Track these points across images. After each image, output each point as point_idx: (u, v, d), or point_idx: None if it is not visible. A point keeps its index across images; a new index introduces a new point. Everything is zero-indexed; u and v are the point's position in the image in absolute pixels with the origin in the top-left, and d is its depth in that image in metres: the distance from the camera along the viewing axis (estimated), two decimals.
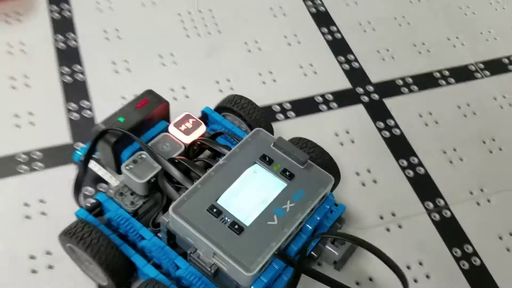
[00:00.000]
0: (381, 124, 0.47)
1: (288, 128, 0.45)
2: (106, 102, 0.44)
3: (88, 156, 0.34)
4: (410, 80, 0.51)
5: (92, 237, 0.30)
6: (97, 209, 0.33)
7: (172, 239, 0.31)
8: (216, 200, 0.30)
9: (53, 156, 0.40)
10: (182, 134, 0.34)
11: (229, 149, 0.33)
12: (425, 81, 0.51)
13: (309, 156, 0.32)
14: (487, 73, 0.53)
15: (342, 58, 0.52)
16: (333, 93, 0.48)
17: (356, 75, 0.50)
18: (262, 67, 0.49)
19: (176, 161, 0.33)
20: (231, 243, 0.28)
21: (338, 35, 0.53)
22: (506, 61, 0.54)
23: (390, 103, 0.49)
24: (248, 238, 0.28)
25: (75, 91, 0.44)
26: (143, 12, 0.51)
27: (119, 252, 0.31)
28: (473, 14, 0.58)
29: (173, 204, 0.29)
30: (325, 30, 0.54)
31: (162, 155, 0.32)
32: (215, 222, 0.29)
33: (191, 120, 0.35)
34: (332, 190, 0.34)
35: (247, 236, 0.28)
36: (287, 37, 0.52)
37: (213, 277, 0.29)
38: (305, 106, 0.47)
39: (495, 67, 0.53)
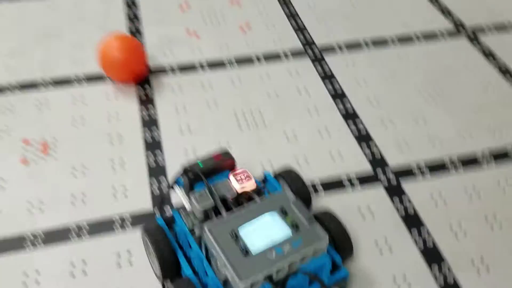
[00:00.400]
0: (397, 202, 0.57)
1: (318, 201, 0.56)
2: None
3: (174, 183, 0.48)
4: (423, 167, 0.61)
5: (159, 237, 0.44)
6: (170, 221, 0.47)
7: (207, 253, 0.42)
8: (238, 228, 0.41)
9: (139, 219, 0.53)
10: (236, 183, 0.46)
11: None
12: (437, 168, 0.61)
13: (313, 216, 0.43)
14: (493, 161, 0.62)
15: (366, 148, 0.63)
16: (357, 175, 0.60)
17: (378, 161, 0.61)
18: (298, 152, 0.62)
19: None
20: (237, 261, 0.39)
21: (362, 129, 0.66)
22: (510, 149, 0.64)
23: (406, 185, 0.59)
24: (250, 261, 0.39)
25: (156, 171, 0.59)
26: (209, 112, 0.67)
27: (173, 252, 0.44)
28: (481, 111, 0.69)
29: (208, 224, 0.41)
30: (351, 123, 0.66)
31: (219, 194, 0.45)
32: (232, 243, 0.40)
33: (246, 175, 0.47)
34: (344, 259, 0.45)
35: (250, 259, 0.39)
36: (320, 132, 0.65)
37: (224, 285, 0.40)
38: (332, 185, 0.58)
39: (499, 156, 0.63)
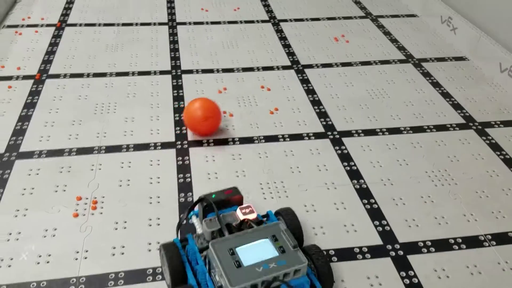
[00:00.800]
0: (404, 274, 0.62)
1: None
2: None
3: (190, 210, 0.59)
4: (429, 243, 0.67)
5: (173, 252, 0.54)
6: (184, 242, 0.57)
7: (209, 267, 0.52)
8: (235, 248, 0.52)
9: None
10: (241, 214, 0.57)
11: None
12: (442, 245, 0.67)
13: (297, 244, 0.53)
14: (494, 243, 0.67)
15: (377, 222, 0.70)
16: (367, 247, 0.66)
17: (387, 235, 0.68)
18: (315, 223, 0.69)
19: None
20: (231, 271, 0.49)
21: (375, 206, 0.73)
22: (511, 235, 0.69)
23: (412, 258, 0.64)
24: (241, 272, 0.49)
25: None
26: (236, 180, 0.76)
27: (182, 265, 0.54)
28: (487, 197, 0.75)
29: (212, 241, 0.52)
30: (365, 201, 0.73)
31: (226, 221, 0.56)
32: (228, 258, 0.51)
33: (249, 209, 0.58)
34: None
35: (241, 271, 0.49)
36: (336, 204, 0.73)
37: None
38: (345, 254, 0.64)
39: (500, 238, 0.68)
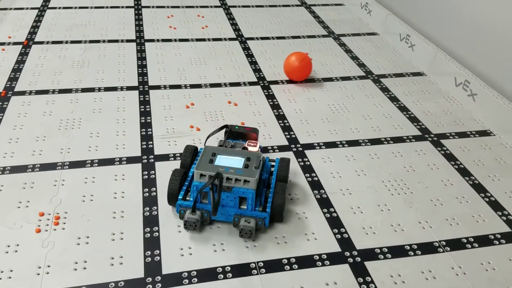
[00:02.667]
0: (361, 280, 0.64)
1: (291, 275, 0.64)
2: (171, 255, 0.66)
3: (214, 133, 0.79)
4: (385, 250, 0.69)
5: (179, 173, 0.71)
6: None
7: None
8: (217, 154, 0.69)
9: (131, 286, 0.61)
10: (246, 145, 0.75)
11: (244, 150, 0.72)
12: (397, 251, 0.69)
13: (259, 167, 0.67)
14: (448, 249, 0.71)
15: (336, 230, 0.72)
16: (327, 254, 0.68)
17: (345, 242, 0.70)
18: (278, 233, 0.71)
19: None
20: (204, 163, 0.67)
21: (334, 214, 0.75)
22: (464, 240, 0.72)
23: (369, 265, 0.67)
24: (209, 166, 0.66)
25: (152, 244, 0.67)
26: None
27: (180, 183, 0.70)
28: (441, 205, 0.79)
29: (207, 145, 0.71)
30: (325, 210, 0.76)
31: (235, 146, 0.75)
32: (208, 157, 0.68)
33: (254, 143, 0.75)
34: (274, 217, 0.70)
35: (209, 165, 0.67)
36: (298, 213, 0.75)
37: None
38: (305, 262, 0.66)
39: (454, 244, 0.71)
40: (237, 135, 0.76)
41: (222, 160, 0.67)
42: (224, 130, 0.77)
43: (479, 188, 0.82)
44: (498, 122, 0.96)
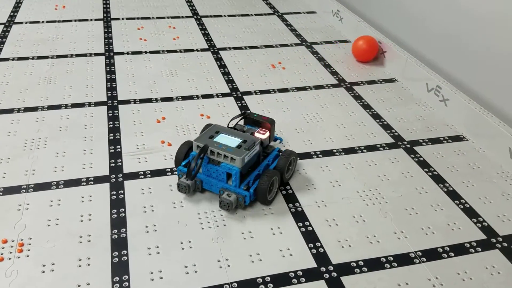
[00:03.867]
0: None
1: None
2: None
3: (234, 118, 0.83)
4: (361, 263, 0.68)
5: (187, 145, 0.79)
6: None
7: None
8: (220, 132, 0.76)
9: None
10: (256, 132, 0.79)
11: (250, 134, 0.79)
12: (373, 264, 0.68)
13: (248, 149, 0.73)
14: (424, 259, 0.70)
15: (311, 245, 0.71)
16: (302, 271, 0.66)
17: (321, 257, 0.69)
18: (252, 250, 0.69)
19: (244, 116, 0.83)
20: (204, 137, 0.75)
21: (309, 228, 0.74)
22: (440, 250, 0.72)
23: (345, 280, 0.65)
24: (207, 140, 0.74)
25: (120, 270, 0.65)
26: (173, 211, 0.75)
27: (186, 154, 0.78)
28: (416, 214, 0.78)
29: (215, 124, 0.79)
30: (300, 224, 0.74)
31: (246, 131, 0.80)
32: (211, 133, 0.76)
33: (263, 131, 0.79)
34: (257, 198, 0.74)
35: (208, 140, 0.74)
36: (272, 229, 0.73)
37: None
38: (281, 280, 0.64)
39: (430, 254, 0.71)
40: (253, 122, 0.82)
41: (221, 138, 0.74)
42: (242, 116, 0.83)
43: (453, 195, 0.82)
44: (470, 126, 0.97)
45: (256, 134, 0.77)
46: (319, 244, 0.71)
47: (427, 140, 0.96)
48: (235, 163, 0.71)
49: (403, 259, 0.69)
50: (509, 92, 0.96)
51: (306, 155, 0.90)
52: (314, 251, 0.69)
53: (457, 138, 0.97)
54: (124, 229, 0.71)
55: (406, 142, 0.95)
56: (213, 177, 0.73)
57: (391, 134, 0.98)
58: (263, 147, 0.78)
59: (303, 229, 0.73)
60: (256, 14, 1.56)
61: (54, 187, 0.79)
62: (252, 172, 0.74)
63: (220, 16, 1.54)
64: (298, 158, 0.87)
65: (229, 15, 1.54)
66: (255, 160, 0.75)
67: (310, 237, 0.72)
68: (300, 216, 0.76)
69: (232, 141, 0.74)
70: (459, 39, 1.08)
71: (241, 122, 0.85)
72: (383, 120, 1.02)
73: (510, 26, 0.94)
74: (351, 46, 1.27)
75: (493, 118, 0.94)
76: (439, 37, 1.14)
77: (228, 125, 0.82)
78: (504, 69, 0.96)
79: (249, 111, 0.84)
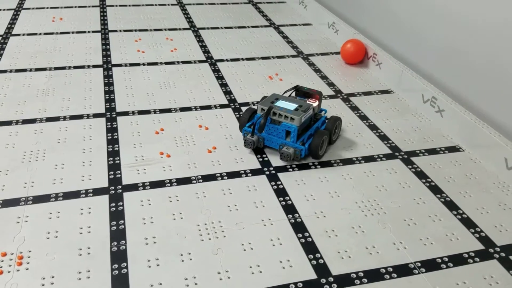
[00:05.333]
0: None
1: None
2: None
3: (287, 91, 0.97)
4: (361, 274, 0.69)
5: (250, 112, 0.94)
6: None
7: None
8: (280, 97, 0.92)
9: None
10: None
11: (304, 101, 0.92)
12: (373, 275, 0.68)
13: (305, 111, 0.89)
14: (423, 270, 0.70)
15: (311, 256, 0.71)
16: (302, 282, 0.66)
17: (321, 268, 0.69)
18: (252, 262, 0.69)
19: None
20: (266, 102, 0.90)
21: (309, 239, 0.74)
22: (439, 260, 0.72)
23: None
24: (269, 104, 0.89)
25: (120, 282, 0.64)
26: (173, 223, 0.75)
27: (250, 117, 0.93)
28: (415, 225, 0.79)
29: (274, 93, 0.94)
30: (300, 235, 0.75)
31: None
32: (271, 100, 0.90)
33: (314, 100, 0.94)
34: (311, 153, 0.90)
35: (270, 103, 0.89)
36: (272, 240, 0.73)
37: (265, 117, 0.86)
38: None
39: (429, 265, 0.71)
40: (304, 94, 0.95)
41: (281, 103, 0.88)
42: (294, 89, 0.97)
43: (451, 206, 0.82)
44: (466, 137, 0.98)
45: (308, 102, 0.91)
46: (319, 255, 0.71)
47: (423, 151, 0.97)
48: (294, 122, 0.85)
49: (403, 270, 0.69)
50: (504, 102, 0.97)
51: (304, 166, 0.90)
52: (314, 262, 0.70)
53: (453, 149, 0.98)
54: (124, 241, 0.71)
55: (403, 153, 0.96)
56: (273, 135, 0.88)
57: (388, 145, 0.98)
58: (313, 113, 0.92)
59: (303, 240, 0.73)
60: (252, 26, 1.57)
61: (53, 199, 0.79)
62: (305, 133, 0.89)
63: (217, 28, 1.55)
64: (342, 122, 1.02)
65: (226, 27, 1.56)
66: (308, 122, 0.90)
67: (310, 248, 0.72)
68: (299, 227, 0.76)
69: (290, 105, 0.88)
70: (454, 50, 1.09)
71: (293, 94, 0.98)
72: (380, 131, 1.03)
73: (505, 36, 0.95)
74: (340, 50, 1.33)
75: (489, 128, 0.95)
76: (434, 49, 1.16)
77: (284, 92, 0.96)
78: (499, 79, 0.98)
79: (299, 85, 1.00)
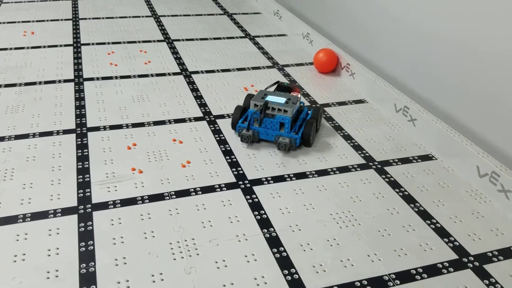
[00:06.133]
0: None
1: None
2: None
3: (269, 87, 1.05)
4: (335, 286, 0.68)
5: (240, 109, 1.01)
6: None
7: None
8: (268, 93, 0.99)
9: None
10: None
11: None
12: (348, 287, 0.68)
13: (294, 104, 0.96)
14: (398, 282, 0.70)
15: (286, 271, 0.70)
16: None
17: (296, 284, 0.68)
18: (225, 280, 0.68)
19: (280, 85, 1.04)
20: (257, 97, 0.97)
21: (284, 254, 0.73)
22: (413, 272, 0.72)
23: None
24: (260, 99, 0.96)
25: None
26: (145, 242, 0.73)
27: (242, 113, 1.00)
28: (389, 236, 0.79)
29: (263, 90, 1.00)
30: (275, 250, 0.74)
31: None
32: (262, 95, 0.98)
33: (296, 93, 1.01)
34: (303, 141, 0.98)
35: (261, 99, 0.96)
36: (247, 256, 0.72)
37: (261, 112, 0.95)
38: None
39: (404, 277, 0.71)
40: (285, 89, 1.02)
41: (271, 98, 0.96)
42: (276, 84, 1.04)
43: (424, 215, 0.83)
44: (438, 145, 0.99)
45: (294, 95, 0.99)
46: (294, 271, 0.70)
47: (397, 160, 0.98)
48: (287, 114, 0.93)
49: (377, 283, 0.69)
50: (475, 110, 0.99)
51: (280, 178, 0.90)
52: (289, 277, 0.69)
53: (426, 158, 0.99)
54: (93, 263, 0.69)
55: (377, 163, 0.96)
56: (268, 128, 0.95)
57: (362, 155, 0.99)
58: None
59: (278, 255, 0.73)
60: (228, 37, 1.57)
61: (21, 220, 0.76)
62: (295, 123, 0.96)
63: (192, 39, 1.54)
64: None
65: (201, 39, 1.55)
66: (296, 114, 0.97)
67: (285, 263, 0.71)
68: (274, 242, 0.75)
69: (280, 99, 0.95)
70: (425, 60, 1.10)
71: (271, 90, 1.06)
72: (354, 141, 1.04)
73: (474, 47, 0.97)
74: (313, 59, 1.35)
75: (461, 137, 0.96)
76: (407, 59, 1.17)
77: (266, 89, 1.02)
78: (469, 88, 0.99)
79: (279, 81, 1.07)
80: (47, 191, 0.83)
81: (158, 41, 1.51)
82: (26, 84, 1.20)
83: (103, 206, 0.80)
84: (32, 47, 1.41)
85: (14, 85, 1.19)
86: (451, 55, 1.03)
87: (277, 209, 0.82)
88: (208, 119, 1.09)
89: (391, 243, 0.76)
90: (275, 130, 0.95)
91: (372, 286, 0.68)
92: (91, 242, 0.73)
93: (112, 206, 0.80)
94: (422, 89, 1.13)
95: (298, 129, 0.96)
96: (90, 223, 0.76)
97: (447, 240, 0.78)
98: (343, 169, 0.94)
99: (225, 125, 1.07)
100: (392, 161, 0.97)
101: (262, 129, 0.95)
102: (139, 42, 1.49)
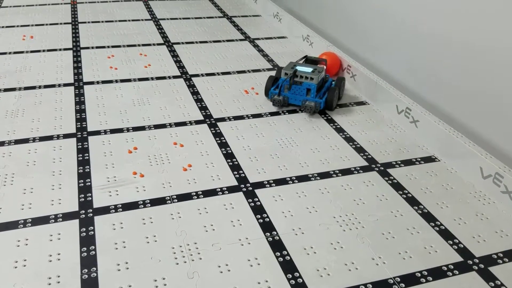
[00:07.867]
0: None
1: None
2: None
3: (298, 61, 1.17)
4: None
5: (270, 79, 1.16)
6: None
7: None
8: (297, 65, 1.13)
9: None
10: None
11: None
12: None
13: (320, 72, 1.12)
14: (403, 285, 0.69)
15: (290, 275, 0.70)
16: None
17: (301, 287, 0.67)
18: (229, 285, 0.67)
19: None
20: (288, 67, 1.11)
21: (287, 257, 0.73)
22: (418, 275, 0.71)
23: None
24: (290, 69, 1.11)
25: None
26: (148, 246, 0.73)
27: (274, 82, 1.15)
28: (393, 238, 0.78)
29: (292, 62, 1.14)
30: (278, 253, 0.73)
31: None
32: (291, 66, 1.12)
33: (324, 64, 1.18)
34: (327, 105, 1.13)
35: (291, 69, 1.10)
36: (250, 260, 0.72)
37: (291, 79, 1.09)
38: None
39: (408, 280, 0.70)
40: (311, 62, 1.17)
41: (299, 68, 1.09)
42: (304, 58, 1.19)
43: (428, 217, 0.82)
44: (441, 147, 0.98)
45: (320, 66, 1.13)
46: (298, 274, 0.69)
47: (399, 162, 0.97)
48: (313, 81, 1.07)
49: (382, 286, 0.68)
50: (478, 111, 0.98)
51: (282, 181, 0.89)
52: (293, 282, 0.68)
53: (429, 159, 0.98)
54: (95, 268, 0.68)
55: (379, 165, 0.96)
56: (296, 93, 1.09)
57: (365, 157, 0.98)
58: None
59: (281, 259, 0.72)
60: (228, 40, 1.57)
61: (22, 225, 0.76)
62: (320, 91, 1.10)
63: (192, 42, 1.54)
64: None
65: (201, 42, 1.55)
66: (321, 83, 1.10)
67: (289, 267, 0.71)
68: (277, 245, 0.74)
69: (307, 69, 1.09)
70: (426, 61, 1.10)
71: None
72: (356, 143, 1.03)
73: (476, 47, 0.97)
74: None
75: (463, 138, 0.96)
76: (407, 60, 1.17)
77: (297, 61, 1.16)
78: (472, 89, 0.99)
79: (308, 55, 1.21)
80: (47, 196, 0.82)
81: (158, 44, 1.51)
82: (26, 88, 1.19)
83: (105, 210, 0.80)
84: (31, 51, 1.41)
85: (13, 89, 1.18)
86: (452, 55, 1.02)
87: (280, 212, 0.82)
88: (209, 122, 1.08)
89: (395, 246, 0.75)
90: (302, 96, 1.08)
91: (374, 287, 0.67)
92: (93, 247, 0.72)
93: (113, 211, 0.80)
94: (424, 90, 1.12)
95: (323, 95, 1.10)
96: (92, 228, 0.76)
97: (451, 242, 0.77)
98: (346, 172, 0.93)
99: (225, 128, 1.06)
100: (394, 163, 0.97)
101: (291, 94, 1.09)
102: (139, 45, 1.49)
